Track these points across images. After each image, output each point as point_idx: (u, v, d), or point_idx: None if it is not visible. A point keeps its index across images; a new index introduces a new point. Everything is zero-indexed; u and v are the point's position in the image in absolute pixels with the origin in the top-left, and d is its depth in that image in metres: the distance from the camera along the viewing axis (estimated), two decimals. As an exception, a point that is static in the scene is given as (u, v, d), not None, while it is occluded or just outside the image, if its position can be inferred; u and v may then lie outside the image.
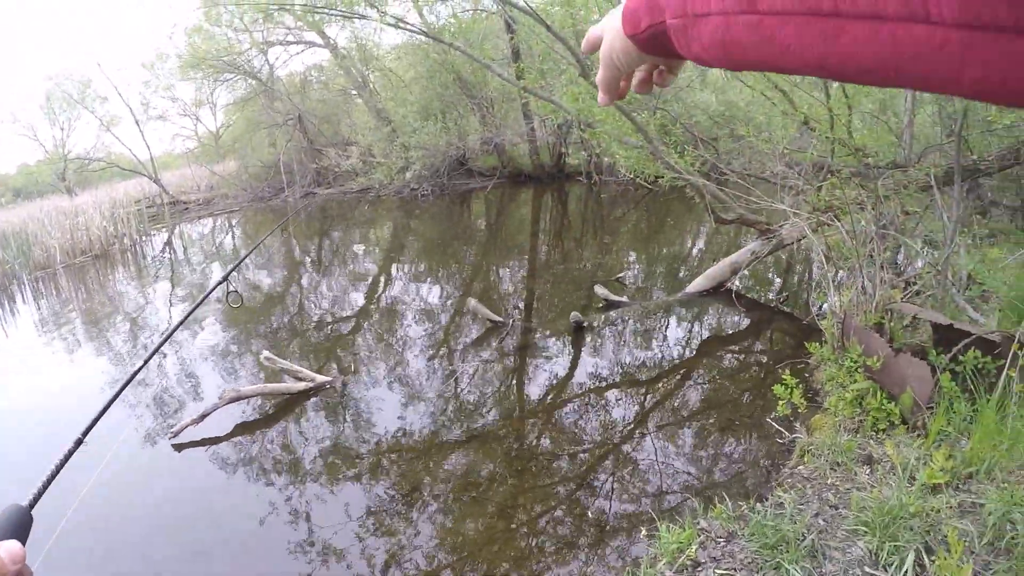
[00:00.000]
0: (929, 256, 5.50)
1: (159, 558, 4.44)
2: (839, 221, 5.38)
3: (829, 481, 3.31)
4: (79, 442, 1.17)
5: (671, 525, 3.22)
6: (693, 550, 2.90)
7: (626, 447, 4.83)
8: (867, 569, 2.50)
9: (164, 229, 23.53)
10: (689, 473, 4.30)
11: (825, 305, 5.56)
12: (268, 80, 24.57)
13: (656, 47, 0.66)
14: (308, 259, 14.73)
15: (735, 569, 2.73)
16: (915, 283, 5.22)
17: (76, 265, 17.66)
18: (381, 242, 15.37)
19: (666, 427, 5.01)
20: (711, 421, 4.96)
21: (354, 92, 23.54)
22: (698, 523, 3.18)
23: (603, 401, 5.63)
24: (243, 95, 26.51)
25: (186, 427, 5.92)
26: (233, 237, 20.58)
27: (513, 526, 4.10)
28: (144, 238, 21.23)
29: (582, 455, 4.83)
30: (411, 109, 18.88)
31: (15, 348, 10.78)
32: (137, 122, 29.73)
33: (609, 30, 0.74)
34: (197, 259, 17.00)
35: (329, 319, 9.47)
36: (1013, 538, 2.64)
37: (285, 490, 5.00)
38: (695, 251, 10.27)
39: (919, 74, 0.42)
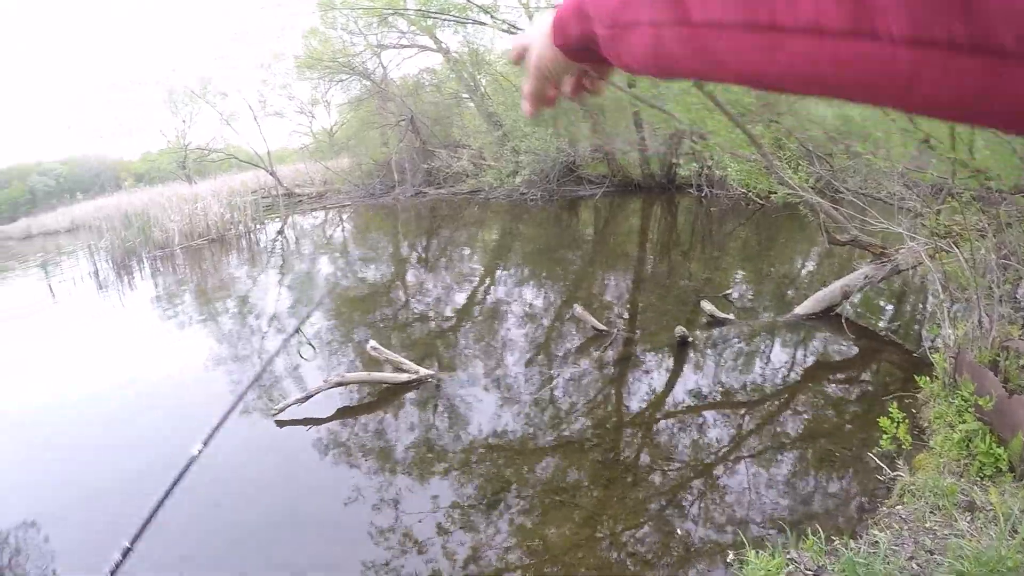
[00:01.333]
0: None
1: (251, 526, 4.73)
2: (958, 248, 5.17)
3: (927, 525, 3.21)
4: (200, 452, 1.28)
5: (760, 552, 3.21)
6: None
7: (719, 469, 4.79)
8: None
9: (277, 219, 24.57)
10: (781, 501, 4.23)
11: (938, 338, 5.35)
12: (382, 82, 25.28)
13: (586, 56, 0.65)
14: (415, 255, 15.09)
15: None
16: None
17: (193, 247, 18.67)
18: (487, 244, 15.59)
19: (762, 452, 4.94)
20: (809, 450, 4.85)
21: (466, 96, 23.94)
22: (788, 552, 3.15)
23: (700, 420, 5.59)
24: (357, 95, 27.40)
25: (290, 405, 6.27)
26: (343, 230, 21.27)
27: (597, 535, 4.14)
28: (258, 226, 22.23)
29: (673, 472, 4.82)
30: (522, 114, 19.05)
31: (130, 319, 11.56)
32: (255, 117, 31.17)
33: (537, 38, 0.73)
34: (307, 249, 17.68)
35: (431, 315, 9.70)
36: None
37: (375, 476, 5.22)
38: (804, 272, 10.00)
39: (864, 90, 0.40)
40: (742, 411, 5.67)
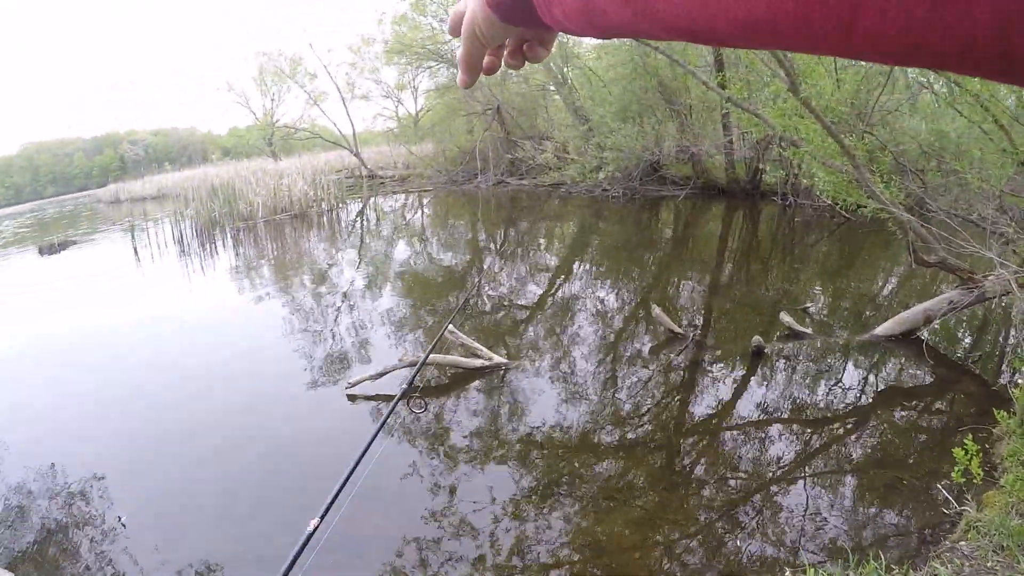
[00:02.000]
0: None
1: (312, 490, 4.96)
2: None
3: (989, 564, 3.16)
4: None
5: (819, 571, 3.22)
6: None
7: (781, 485, 4.76)
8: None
9: (359, 199, 25.10)
10: (842, 525, 4.20)
11: (1019, 372, 5.20)
12: (469, 70, 25.50)
13: (518, 16, 0.62)
14: (492, 245, 15.25)
15: None
16: None
17: (275, 221, 19.23)
18: (566, 237, 15.65)
19: (826, 473, 4.89)
20: (875, 476, 4.78)
21: (552, 88, 23.98)
22: (847, 575, 3.16)
23: (766, 433, 5.56)
24: (444, 82, 27.81)
25: (363, 381, 6.50)
26: (423, 214, 21.61)
27: (652, 539, 4.19)
28: (340, 205, 22.75)
29: (734, 484, 4.82)
30: (609, 110, 19.00)
31: (212, 287, 12.05)
32: (343, 99, 32.03)
33: (471, 2, 0.68)
34: (386, 231, 18.04)
35: (504, 305, 9.85)
36: None
37: (434, 458, 5.40)
38: (886, 292, 9.76)
39: (802, 32, 0.37)
40: (810, 429, 5.62)
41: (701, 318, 8.70)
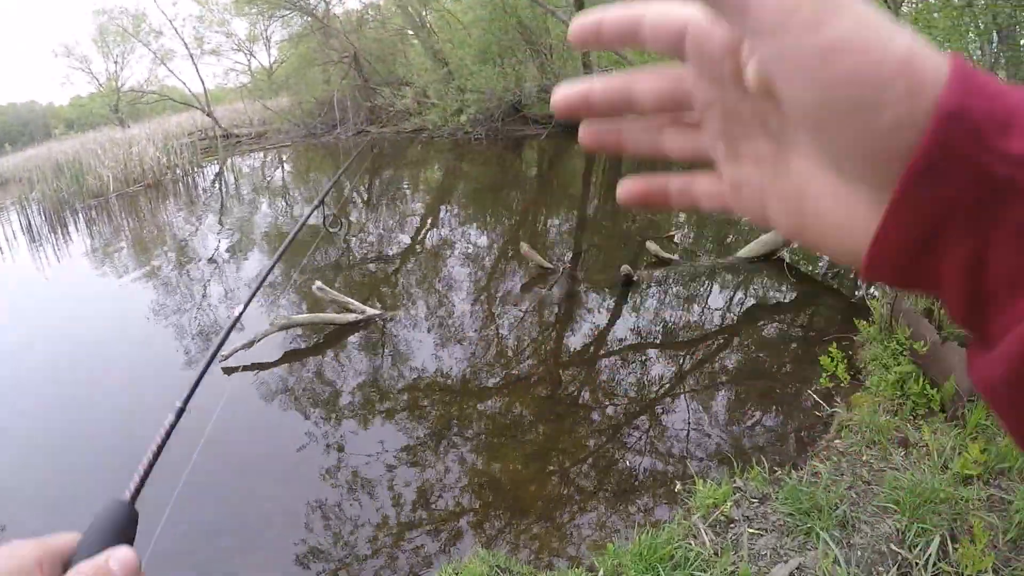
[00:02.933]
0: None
1: (205, 470, 4.67)
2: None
3: (864, 458, 3.34)
4: (180, 412, 1.11)
5: (708, 481, 3.30)
6: (728, 507, 2.98)
7: (663, 405, 4.90)
8: (893, 547, 2.55)
9: (216, 161, 23.92)
10: (724, 436, 4.36)
11: (875, 285, 5.48)
12: (324, 17, 24.56)
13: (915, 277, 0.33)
14: (357, 197, 14.87)
15: (767, 530, 2.81)
16: None
17: (129, 194, 18.06)
18: (431, 183, 15.45)
19: (704, 389, 5.06)
20: (750, 388, 4.98)
21: (411, 32, 23.42)
22: (734, 482, 3.24)
23: (644, 358, 5.69)
24: (298, 31, 26.65)
25: (236, 351, 6.11)
26: (283, 172, 20.86)
27: (544, 470, 4.20)
28: (196, 169, 21.64)
29: (619, 408, 4.92)
30: (469, 52, 18.74)
31: (66, 275, 11.19)
32: (191, 56, 30.22)
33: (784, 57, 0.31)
34: (247, 192, 17.29)
35: (374, 257, 9.62)
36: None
37: (324, 418, 5.24)
38: (747, 218, 10.13)
39: None
40: (684, 350, 5.79)
41: (571, 252, 8.78)
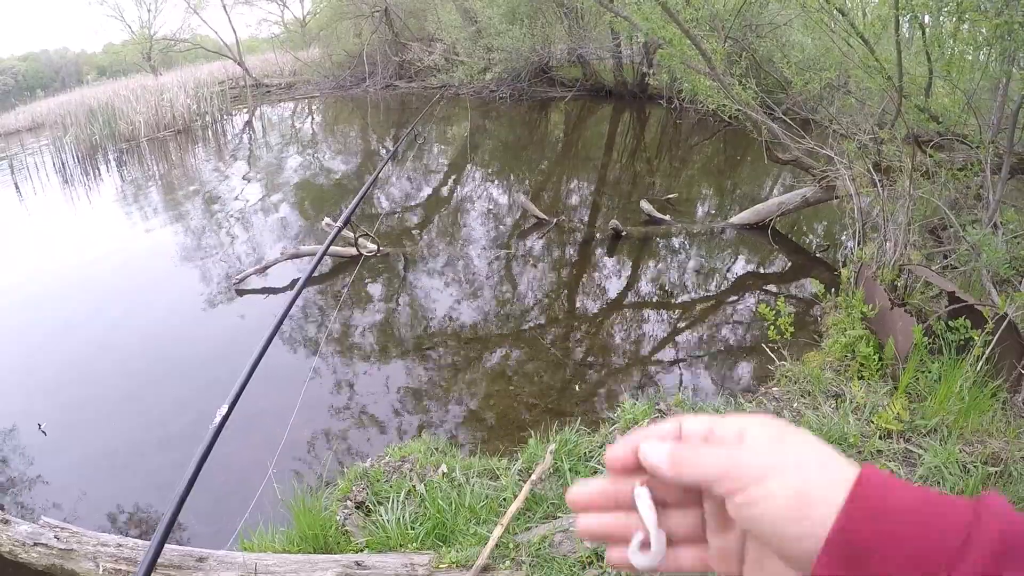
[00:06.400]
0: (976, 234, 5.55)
1: (210, 382, 5.22)
2: (878, 174, 5.57)
3: (794, 405, 3.72)
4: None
5: (634, 402, 3.74)
6: (645, 423, 3.40)
7: (622, 344, 5.58)
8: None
9: (245, 110, 24.28)
10: (670, 374, 4.92)
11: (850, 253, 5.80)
12: (356, -30, 24.69)
13: None
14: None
15: None
16: (949, 255, 5.34)
17: (159, 139, 18.50)
18: (456, 140, 15.74)
19: (673, 335, 5.67)
20: (715, 340, 5.50)
21: (443, -12, 23.49)
22: (658, 404, 3.66)
23: (616, 302, 6.42)
24: (332, -18, 26.76)
25: (249, 275, 6.82)
26: (312, 122, 21.20)
27: (506, 390, 4.83)
28: (226, 117, 21.96)
29: (582, 341, 5.67)
30: (498, 11, 18.85)
31: (97, 215, 11.69)
32: (224, 6, 30.33)
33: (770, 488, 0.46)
34: (275, 140, 17.69)
35: (396, 207, 10.06)
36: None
37: (326, 351, 5.83)
38: (757, 189, 10.37)
39: None
40: (663, 302, 6.39)
41: (587, 211, 9.24)
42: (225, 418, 1.94)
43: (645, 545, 0.54)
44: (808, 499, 0.45)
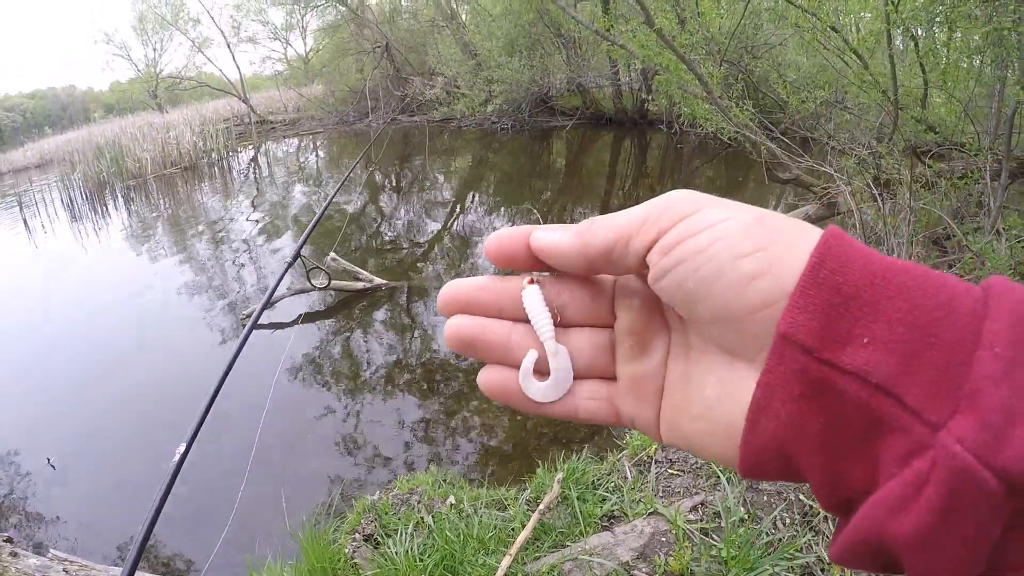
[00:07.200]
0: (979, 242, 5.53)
1: (219, 416, 5.24)
2: (878, 188, 5.57)
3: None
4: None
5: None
6: (652, 450, 3.39)
7: None
8: (802, 496, 2.90)
9: (251, 147, 24.55)
10: None
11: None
12: (358, 8, 25.04)
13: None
14: (388, 183, 15.34)
15: (683, 471, 3.20)
16: (954, 265, 5.31)
17: (166, 176, 18.70)
18: (459, 172, 15.86)
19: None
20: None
21: (442, 24, 23.76)
22: None
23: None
24: (333, 21, 27.22)
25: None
26: (316, 157, 21.41)
27: (514, 418, 4.72)
28: (231, 154, 22.21)
29: None
30: (496, 44, 19.04)
31: (105, 252, 11.80)
32: (228, 44, 30.85)
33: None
34: (280, 176, 17.85)
35: (403, 241, 10.14)
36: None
37: (335, 384, 5.92)
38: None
39: None
40: None
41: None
42: (183, 456, 1.95)
43: (540, 373, 0.44)
44: (768, 227, 0.36)
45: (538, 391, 0.43)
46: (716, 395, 0.39)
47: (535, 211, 10.80)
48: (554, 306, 0.43)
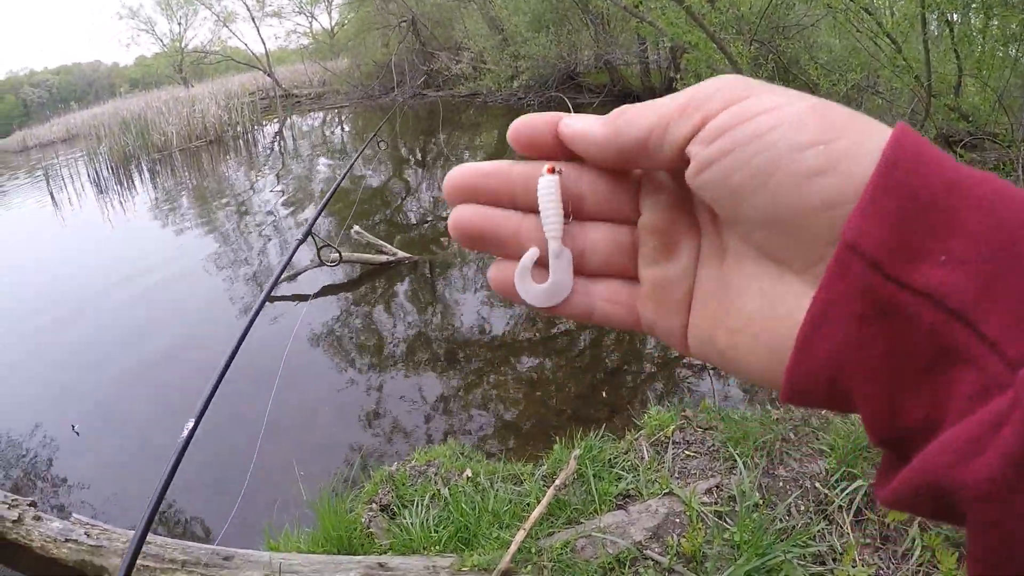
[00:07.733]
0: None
1: (242, 385, 5.31)
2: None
3: (823, 412, 3.66)
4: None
5: (661, 409, 3.74)
6: (670, 431, 3.39)
7: (647, 351, 5.52)
8: (817, 485, 2.89)
9: (275, 120, 24.61)
10: (708, 379, 4.88)
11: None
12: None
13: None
14: (412, 158, 15.32)
15: (701, 453, 3.20)
16: None
17: (191, 149, 18.81)
18: (485, 147, 15.80)
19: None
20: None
21: (469, -2, 23.61)
22: (683, 411, 3.65)
23: None
24: (358, -5, 27.05)
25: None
26: (341, 131, 21.42)
27: (538, 395, 4.72)
28: (256, 127, 22.29)
29: (609, 348, 5.63)
30: (523, 19, 18.88)
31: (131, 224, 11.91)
32: (253, 18, 30.84)
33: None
34: (305, 149, 17.88)
35: (428, 215, 10.16)
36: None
37: (358, 357, 5.97)
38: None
39: None
40: None
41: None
42: (191, 433, 1.94)
43: (542, 267, 0.41)
44: (832, 118, 0.32)
45: (533, 294, 0.41)
46: (759, 308, 0.35)
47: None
48: (569, 199, 0.41)
